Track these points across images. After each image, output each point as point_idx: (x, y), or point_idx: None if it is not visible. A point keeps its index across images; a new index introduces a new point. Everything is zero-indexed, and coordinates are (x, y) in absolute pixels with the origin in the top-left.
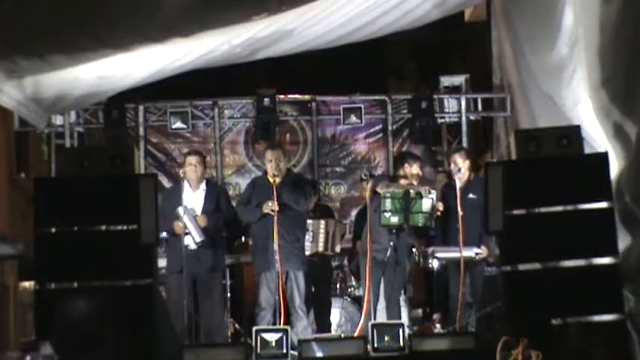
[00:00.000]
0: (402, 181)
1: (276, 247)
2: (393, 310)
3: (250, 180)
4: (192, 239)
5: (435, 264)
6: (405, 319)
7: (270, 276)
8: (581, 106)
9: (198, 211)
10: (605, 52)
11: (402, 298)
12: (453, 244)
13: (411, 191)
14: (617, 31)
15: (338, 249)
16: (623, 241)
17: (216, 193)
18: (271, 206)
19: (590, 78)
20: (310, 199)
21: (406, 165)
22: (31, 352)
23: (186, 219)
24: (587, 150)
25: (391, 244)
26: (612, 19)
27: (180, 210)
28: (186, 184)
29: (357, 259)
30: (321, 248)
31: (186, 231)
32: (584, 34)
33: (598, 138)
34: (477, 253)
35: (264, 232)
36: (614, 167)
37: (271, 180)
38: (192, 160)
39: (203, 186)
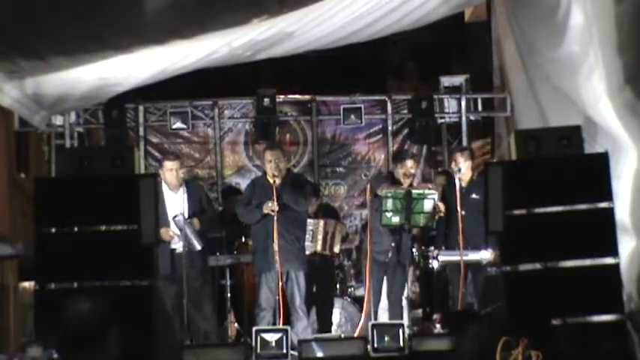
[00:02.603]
0: (401, 181)
1: (276, 247)
2: (395, 309)
3: (250, 180)
4: (194, 246)
5: (434, 264)
6: (405, 319)
7: (270, 276)
8: (603, 104)
9: (184, 212)
10: (625, 51)
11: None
12: (455, 244)
13: (413, 191)
14: (634, 29)
15: (337, 249)
16: None
17: (197, 193)
18: (271, 206)
19: (609, 76)
20: (310, 199)
21: (397, 165)
22: (19, 354)
23: (181, 226)
24: (597, 148)
25: (393, 245)
26: (628, 17)
27: (180, 219)
28: (164, 186)
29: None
30: (319, 248)
31: (179, 236)
32: (598, 33)
33: (621, 135)
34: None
35: (264, 233)
36: None
37: (271, 180)
38: (172, 165)
39: (183, 187)
